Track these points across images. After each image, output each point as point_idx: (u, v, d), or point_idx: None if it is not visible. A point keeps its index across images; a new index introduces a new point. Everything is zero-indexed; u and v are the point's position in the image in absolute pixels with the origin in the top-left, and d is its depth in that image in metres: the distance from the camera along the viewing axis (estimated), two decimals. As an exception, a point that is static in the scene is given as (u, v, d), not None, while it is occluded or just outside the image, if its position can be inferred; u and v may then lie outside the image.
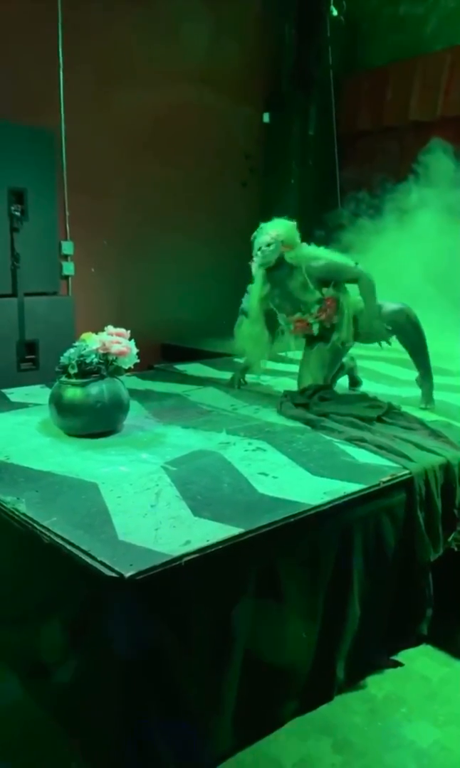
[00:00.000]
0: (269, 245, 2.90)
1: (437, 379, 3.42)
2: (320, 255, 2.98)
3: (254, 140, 5.92)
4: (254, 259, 2.97)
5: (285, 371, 3.95)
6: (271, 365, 4.18)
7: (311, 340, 3.15)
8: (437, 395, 3.14)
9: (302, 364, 3.22)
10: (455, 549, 2.30)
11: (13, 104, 4.22)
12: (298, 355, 4.50)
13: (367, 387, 3.29)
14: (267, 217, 2.97)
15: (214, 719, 1.69)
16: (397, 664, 2.35)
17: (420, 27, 5.32)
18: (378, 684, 2.29)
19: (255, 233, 2.97)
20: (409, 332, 2.95)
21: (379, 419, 2.66)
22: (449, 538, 2.28)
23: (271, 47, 5.82)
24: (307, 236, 3.13)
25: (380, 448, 2.35)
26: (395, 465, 2.21)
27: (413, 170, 4.36)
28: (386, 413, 2.71)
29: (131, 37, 4.88)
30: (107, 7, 4.67)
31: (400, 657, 2.36)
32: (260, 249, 2.93)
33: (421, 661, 2.41)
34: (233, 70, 5.55)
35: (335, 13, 5.44)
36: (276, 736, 1.93)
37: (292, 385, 3.53)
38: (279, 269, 2.96)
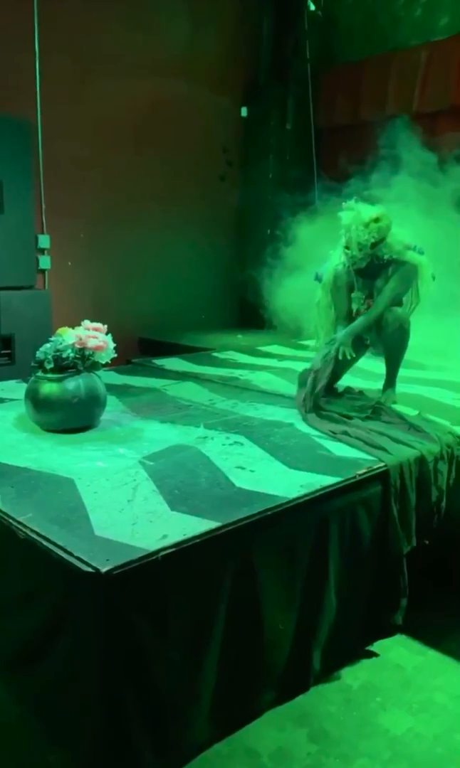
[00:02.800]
0: (360, 250, 2.76)
1: (415, 374, 3.47)
2: (409, 246, 2.85)
3: (231, 134, 5.90)
4: (345, 251, 2.84)
5: (264, 365, 3.98)
6: (249, 359, 4.21)
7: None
8: (415, 389, 3.18)
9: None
10: (426, 542, 2.33)
11: (-13, 95, 4.16)
12: (277, 349, 4.55)
13: (346, 381, 3.31)
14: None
15: (191, 711, 1.71)
16: (372, 654, 2.39)
17: (396, 22, 5.34)
18: (354, 674, 2.33)
19: (346, 215, 2.78)
20: (390, 333, 2.91)
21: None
22: (424, 530, 2.32)
23: (248, 40, 5.80)
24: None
25: (359, 441, 2.38)
26: (370, 458, 2.24)
27: (389, 163, 4.38)
28: (373, 411, 2.74)
29: (108, 27, 4.83)
30: (84, -2, 4.62)
31: (375, 647, 2.40)
32: (351, 249, 2.79)
33: (396, 650, 2.45)
34: (211, 63, 5.53)
35: (312, 7, 5.43)
36: (253, 727, 1.95)
37: (270, 379, 3.56)
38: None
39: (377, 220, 2.74)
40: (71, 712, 1.63)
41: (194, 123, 5.51)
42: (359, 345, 3.00)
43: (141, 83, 5.05)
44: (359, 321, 2.93)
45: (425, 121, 4.93)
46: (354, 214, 2.77)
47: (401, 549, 2.21)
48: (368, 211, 2.77)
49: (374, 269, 2.88)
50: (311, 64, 5.59)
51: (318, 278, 3.06)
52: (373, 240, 2.75)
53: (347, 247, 2.83)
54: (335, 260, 2.98)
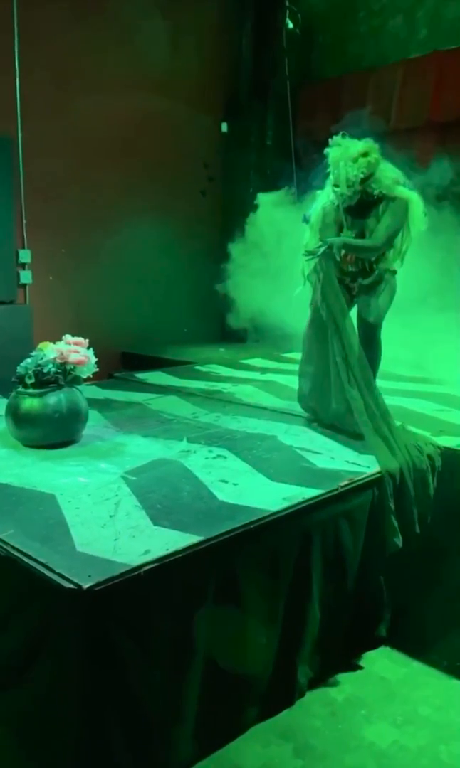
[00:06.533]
0: (350, 186, 2.67)
1: (393, 385, 3.50)
2: (398, 180, 2.78)
3: (212, 149, 5.96)
4: (334, 189, 2.75)
5: (246, 378, 3.99)
6: (232, 373, 4.22)
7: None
8: (393, 400, 3.21)
9: None
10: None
11: (-33, 111, 4.18)
12: (259, 362, 4.56)
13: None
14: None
15: (175, 729, 1.69)
16: (357, 666, 2.39)
17: (373, 41, 5.44)
18: (339, 687, 2.32)
19: (333, 151, 2.69)
20: (369, 333, 2.94)
21: None
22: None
23: (229, 57, 5.88)
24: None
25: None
26: (352, 470, 2.25)
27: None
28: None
29: (89, 45, 4.87)
30: (64, 15, 4.65)
31: (360, 659, 2.39)
32: (340, 185, 2.68)
33: (380, 662, 2.45)
34: (191, 79, 5.59)
35: (290, 26, 5.52)
36: (238, 743, 1.93)
37: (252, 392, 3.57)
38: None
39: (365, 154, 2.67)
40: (52, 731, 1.61)
41: (175, 139, 5.55)
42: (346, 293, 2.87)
43: (122, 100, 5.08)
44: (357, 240, 2.81)
45: (402, 136, 5.01)
46: (341, 150, 2.69)
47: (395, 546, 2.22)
48: (356, 146, 2.69)
49: (364, 207, 2.79)
50: (290, 81, 5.67)
51: (306, 220, 2.97)
52: (362, 175, 2.67)
53: (335, 185, 2.75)
54: (323, 200, 2.90)
